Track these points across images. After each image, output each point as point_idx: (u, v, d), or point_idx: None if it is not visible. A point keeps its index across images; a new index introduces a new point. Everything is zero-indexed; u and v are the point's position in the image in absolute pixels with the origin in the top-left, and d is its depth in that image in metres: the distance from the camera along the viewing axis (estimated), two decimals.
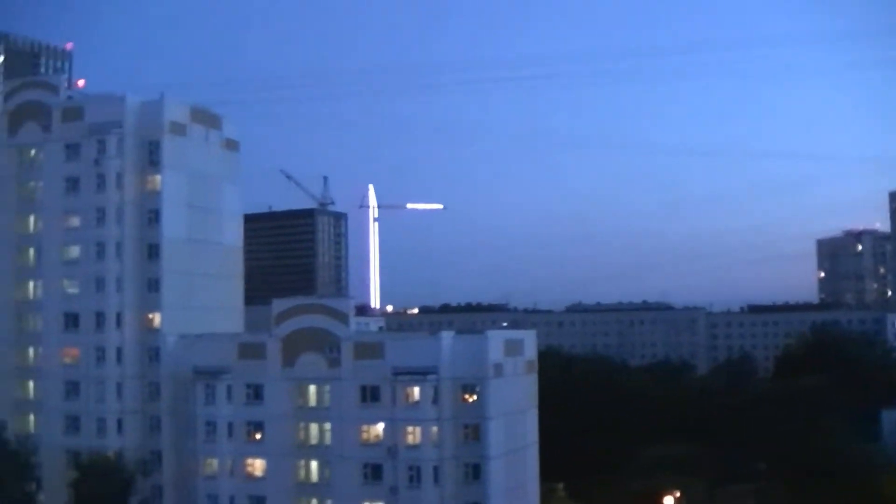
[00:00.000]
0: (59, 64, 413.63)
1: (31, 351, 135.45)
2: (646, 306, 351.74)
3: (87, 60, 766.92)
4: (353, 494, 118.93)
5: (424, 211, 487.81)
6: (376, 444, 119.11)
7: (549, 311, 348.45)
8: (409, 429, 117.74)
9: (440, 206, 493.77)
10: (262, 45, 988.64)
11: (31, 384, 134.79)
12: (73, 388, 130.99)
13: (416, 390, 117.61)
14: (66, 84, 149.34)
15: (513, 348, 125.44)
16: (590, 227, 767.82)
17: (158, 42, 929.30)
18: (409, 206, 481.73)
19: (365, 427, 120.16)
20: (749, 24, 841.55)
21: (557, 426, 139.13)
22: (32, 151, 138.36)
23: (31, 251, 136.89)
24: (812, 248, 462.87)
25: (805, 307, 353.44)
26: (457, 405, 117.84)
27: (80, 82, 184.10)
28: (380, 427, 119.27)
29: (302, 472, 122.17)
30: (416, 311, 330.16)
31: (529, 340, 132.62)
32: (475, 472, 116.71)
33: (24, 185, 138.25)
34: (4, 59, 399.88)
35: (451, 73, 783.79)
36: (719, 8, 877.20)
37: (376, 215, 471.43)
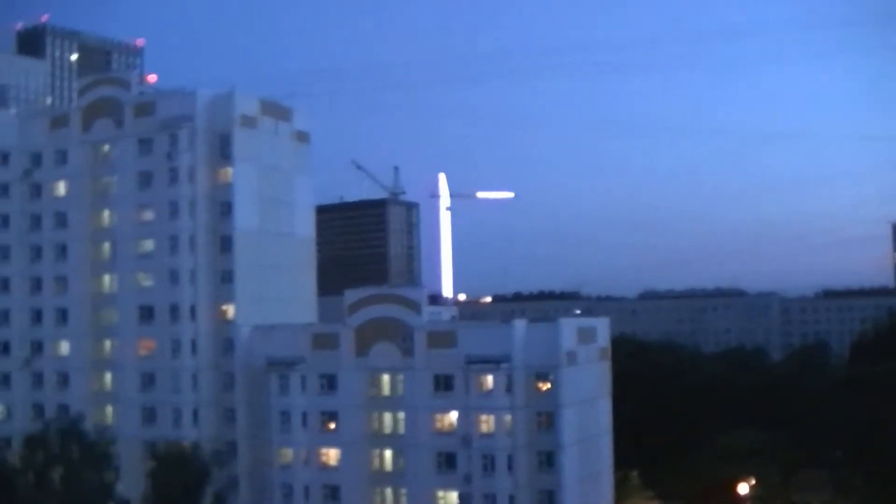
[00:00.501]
0: (130, 60, 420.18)
1: (107, 343, 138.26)
2: (719, 292, 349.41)
3: (158, 56, 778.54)
4: (427, 483, 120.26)
5: (495, 199, 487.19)
6: (450, 432, 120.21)
7: (622, 299, 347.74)
8: (483, 417, 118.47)
9: (510, 195, 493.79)
10: (333, 36, 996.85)
11: (108, 376, 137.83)
12: (148, 380, 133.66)
13: (490, 379, 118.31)
14: (137, 80, 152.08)
15: (585, 336, 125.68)
16: (662, 214, 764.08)
17: (228, 36, 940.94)
18: (480, 194, 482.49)
19: (438, 416, 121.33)
20: (820, 5, 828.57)
21: (631, 414, 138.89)
22: (106, 147, 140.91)
23: (107, 245, 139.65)
24: (887, 232, 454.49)
25: (881, 291, 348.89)
26: (530, 393, 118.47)
27: (152, 78, 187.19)
28: (453, 416, 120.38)
29: (376, 462, 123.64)
30: (488, 299, 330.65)
31: (602, 328, 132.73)
32: (549, 460, 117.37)
33: (99, 181, 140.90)
34: (78, 57, 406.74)
35: (521, 59, 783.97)
36: None
37: (448, 204, 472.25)
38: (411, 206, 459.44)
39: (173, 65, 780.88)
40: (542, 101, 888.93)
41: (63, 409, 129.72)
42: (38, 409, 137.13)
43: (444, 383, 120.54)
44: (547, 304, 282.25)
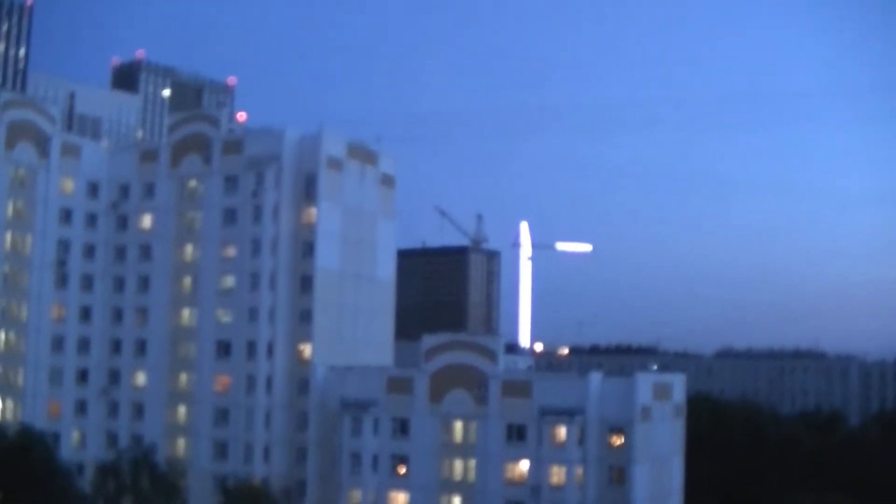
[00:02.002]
0: (221, 98, 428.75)
1: (184, 377, 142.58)
2: (798, 353, 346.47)
3: (249, 95, 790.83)
4: None
5: (574, 251, 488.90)
6: (520, 483, 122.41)
7: (699, 356, 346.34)
8: (554, 469, 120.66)
9: (588, 248, 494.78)
10: (422, 82, 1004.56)
11: (182, 409, 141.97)
12: (222, 415, 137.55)
13: (563, 430, 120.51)
14: (227, 118, 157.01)
15: (661, 392, 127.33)
16: (742, 271, 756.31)
17: (318, 77, 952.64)
18: (559, 246, 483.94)
19: (510, 465, 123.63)
20: None
21: (705, 473, 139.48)
22: (193, 183, 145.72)
23: (189, 279, 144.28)
24: None
25: None
26: (603, 447, 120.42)
27: (242, 116, 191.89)
28: (524, 466, 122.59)
29: None
30: (565, 351, 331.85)
31: (678, 385, 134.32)
32: None
33: (184, 216, 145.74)
34: (170, 93, 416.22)
35: (606, 112, 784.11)
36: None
37: (529, 254, 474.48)
38: (493, 255, 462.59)
39: (263, 104, 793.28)
40: (624, 155, 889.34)
41: (137, 439, 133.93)
42: (113, 438, 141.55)
43: (517, 433, 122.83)
44: (623, 358, 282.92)
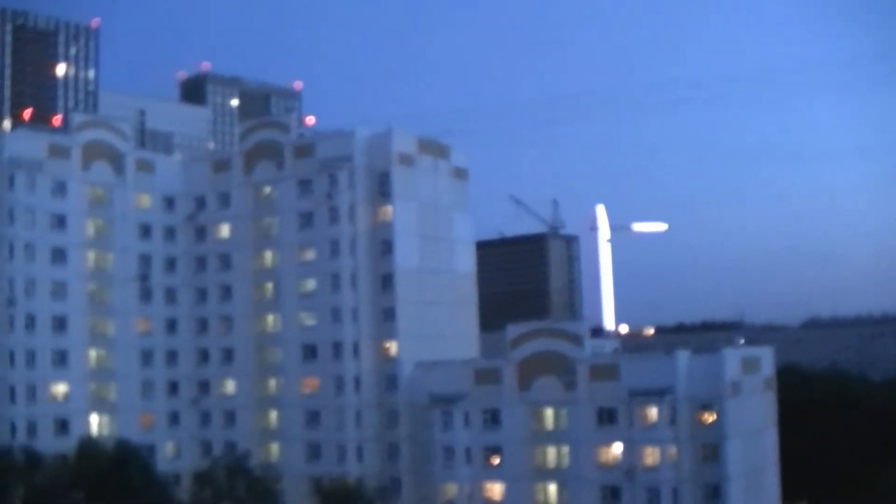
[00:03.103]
0: (289, 103, 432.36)
1: (272, 382, 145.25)
2: (887, 318, 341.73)
3: (316, 98, 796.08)
4: None
5: (651, 231, 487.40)
6: (614, 466, 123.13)
7: (786, 327, 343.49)
8: (647, 450, 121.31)
9: (664, 227, 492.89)
10: (487, 72, 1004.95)
11: (273, 414, 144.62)
12: (313, 417, 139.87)
13: (653, 411, 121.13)
14: (296, 123, 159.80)
15: (749, 366, 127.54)
16: (825, 240, 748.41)
17: (385, 75, 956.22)
18: (636, 227, 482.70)
19: (602, 449, 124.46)
20: None
21: (798, 445, 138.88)
22: (267, 189, 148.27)
23: (270, 285, 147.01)
24: None
25: None
26: (694, 425, 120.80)
27: (310, 120, 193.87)
28: (617, 449, 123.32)
29: (540, 496, 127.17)
30: (650, 331, 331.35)
31: (766, 358, 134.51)
32: (714, 493, 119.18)
33: (261, 222, 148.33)
34: (238, 103, 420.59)
35: (676, 90, 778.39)
36: None
37: (608, 237, 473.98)
38: (571, 240, 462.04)
39: (330, 107, 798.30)
40: (698, 131, 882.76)
41: (230, 446, 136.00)
42: (206, 447, 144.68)
43: (607, 416, 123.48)
44: (709, 334, 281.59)
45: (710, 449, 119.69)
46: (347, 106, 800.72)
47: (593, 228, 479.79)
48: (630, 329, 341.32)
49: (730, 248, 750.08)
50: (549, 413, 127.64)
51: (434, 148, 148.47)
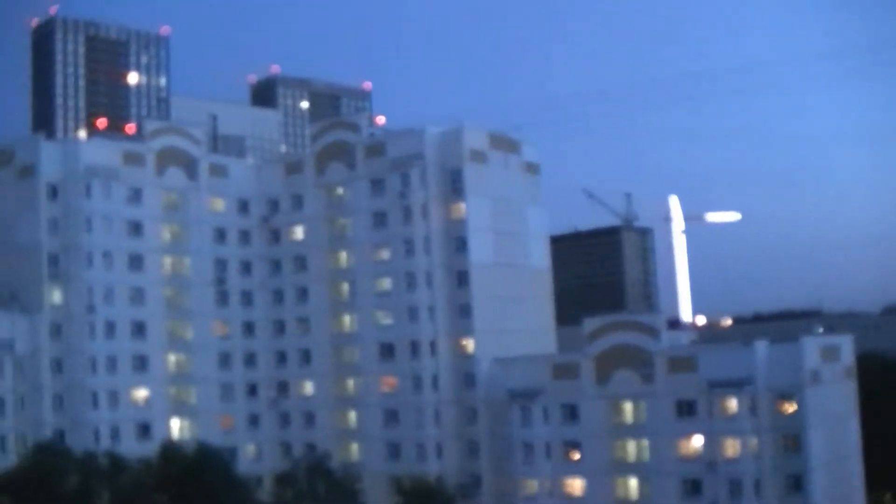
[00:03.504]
0: (359, 103, 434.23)
1: (350, 382, 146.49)
2: None
3: (385, 97, 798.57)
4: None
5: (724, 221, 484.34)
6: (694, 458, 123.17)
7: (865, 314, 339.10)
8: (728, 441, 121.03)
9: (738, 216, 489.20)
10: (555, 64, 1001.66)
11: (352, 414, 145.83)
12: (392, 416, 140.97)
13: (733, 402, 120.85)
14: (367, 122, 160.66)
15: (829, 354, 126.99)
16: None
17: (453, 71, 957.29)
18: (709, 217, 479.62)
19: (682, 442, 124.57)
20: None
21: (880, 434, 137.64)
22: (340, 189, 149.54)
23: (345, 285, 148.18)
24: None
25: None
26: (775, 415, 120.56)
27: (380, 119, 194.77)
28: (697, 441, 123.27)
29: (621, 490, 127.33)
30: (728, 321, 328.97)
31: (846, 345, 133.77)
32: (797, 484, 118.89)
33: (334, 223, 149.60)
34: (308, 104, 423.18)
35: (747, 76, 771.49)
36: None
37: (682, 228, 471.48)
38: (645, 232, 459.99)
39: (400, 104, 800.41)
40: (768, 118, 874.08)
41: (310, 447, 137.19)
42: (286, 448, 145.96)
43: (686, 408, 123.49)
44: (787, 323, 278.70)
45: (792, 439, 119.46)
46: (417, 104, 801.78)
47: (667, 220, 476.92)
48: (707, 320, 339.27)
49: (806, 236, 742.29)
50: (627, 406, 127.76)
51: (505, 143, 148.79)
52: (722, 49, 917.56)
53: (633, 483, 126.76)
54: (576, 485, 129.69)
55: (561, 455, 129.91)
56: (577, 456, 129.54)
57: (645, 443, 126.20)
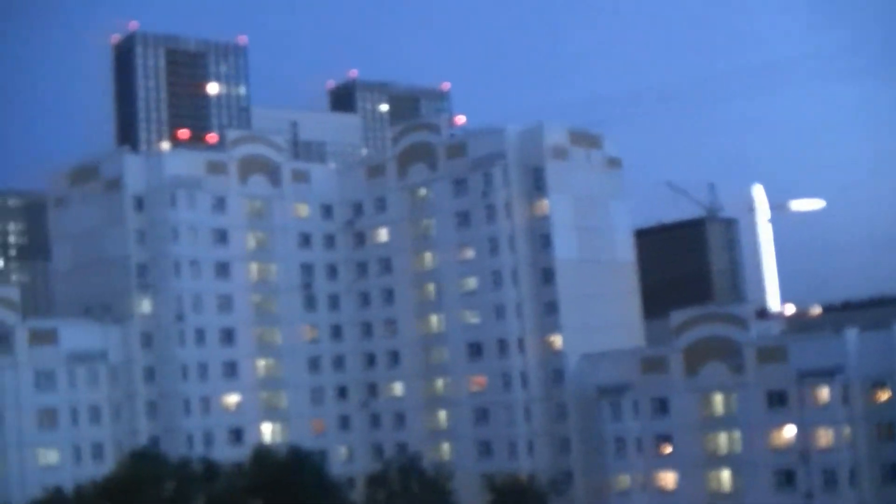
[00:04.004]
0: (438, 104, 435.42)
1: (439, 382, 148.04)
2: None
3: (464, 96, 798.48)
4: (767, 502, 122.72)
5: (809, 209, 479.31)
6: (787, 449, 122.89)
7: None
8: (820, 431, 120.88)
9: (822, 204, 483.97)
10: (633, 58, 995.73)
11: (442, 414, 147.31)
12: (482, 415, 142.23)
13: (825, 391, 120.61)
14: (447, 123, 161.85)
15: None
16: None
17: (531, 69, 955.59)
18: (794, 205, 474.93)
19: (774, 433, 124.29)
20: None
21: None
22: (422, 191, 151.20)
23: (431, 286, 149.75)
24: None
25: None
26: (868, 404, 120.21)
27: (460, 119, 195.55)
28: (789, 431, 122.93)
29: (714, 483, 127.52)
30: (817, 310, 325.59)
31: None
32: (894, 472, 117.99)
33: (418, 224, 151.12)
34: (388, 107, 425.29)
35: (824, 61, 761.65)
36: None
37: (767, 217, 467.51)
38: (730, 222, 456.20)
39: (479, 104, 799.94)
40: (848, 104, 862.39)
41: (401, 447, 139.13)
42: (377, 449, 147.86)
43: (777, 399, 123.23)
44: (878, 310, 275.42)
45: (887, 428, 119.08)
46: (495, 103, 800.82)
47: (752, 209, 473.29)
48: (796, 309, 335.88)
49: (894, 220, 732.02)
50: (717, 398, 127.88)
51: (586, 139, 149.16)
52: (801, 36, 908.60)
53: (726, 475, 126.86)
54: (668, 478, 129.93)
55: (652, 449, 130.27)
56: (668, 449, 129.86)
57: (736, 434, 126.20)
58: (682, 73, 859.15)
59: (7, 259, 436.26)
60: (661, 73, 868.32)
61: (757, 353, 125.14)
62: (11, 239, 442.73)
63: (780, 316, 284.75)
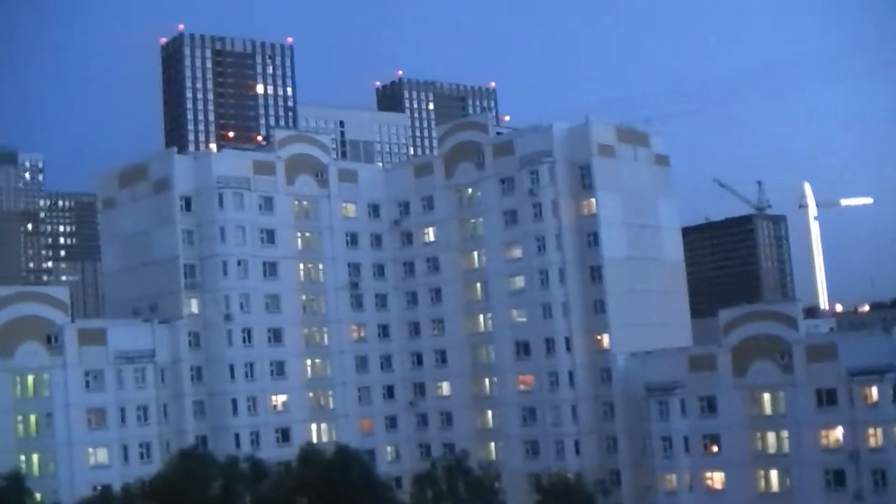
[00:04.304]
0: (484, 103, 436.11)
1: (486, 381, 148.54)
2: None
3: (510, 94, 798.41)
4: (816, 503, 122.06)
5: (858, 206, 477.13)
6: (836, 448, 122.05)
7: None
8: (870, 431, 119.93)
9: (869, 201, 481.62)
10: (678, 55, 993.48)
11: (489, 413, 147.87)
12: (529, 414, 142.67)
13: (874, 390, 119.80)
14: (493, 121, 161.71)
15: None
16: None
17: (576, 66, 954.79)
18: (843, 202, 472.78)
19: (823, 432, 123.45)
20: None
21: None
22: (469, 190, 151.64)
23: (478, 285, 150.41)
24: None
25: None
26: None
27: (506, 118, 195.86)
28: (839, 431, 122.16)
29: (762, 482, 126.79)
30: (866, 308, 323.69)
31: None
32: None
33: (465, 223, 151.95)
34: (434, 106, 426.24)
35: (871, 55, 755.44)
36: None
37: (815, 214, 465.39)
38: (778, 219, 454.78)
39: (525, 102, 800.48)
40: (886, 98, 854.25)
41: (448, 447, 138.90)
42: (425, 449, 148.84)
43: (826, 397, 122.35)
44: None
45: None
46: (541, 101, 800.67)
47: (801, 206, 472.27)
48: (845, 307, 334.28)
49: None
50: (766, 397, 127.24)
51: (633, 136, 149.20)
52: (852, 28, 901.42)
53: (774, 475, 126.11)
54: (716, 478, 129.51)
55: (700, 448, 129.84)
56: (716, 449, 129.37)
57: (785, 434, 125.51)
58: (729, 68, 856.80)
59: (57, 259, 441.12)
60: (709, 70, 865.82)
61: (806, 352, 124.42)
62: (62, 240, 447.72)
63: (829, 314, 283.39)
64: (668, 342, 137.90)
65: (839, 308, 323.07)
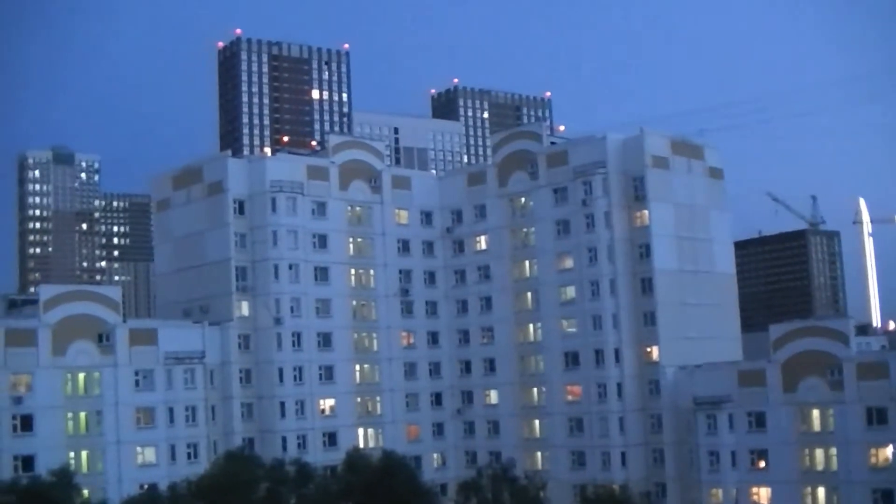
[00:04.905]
0: (539, 112, 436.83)
1: (535, 391, 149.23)
2: None
3: (565, 105, 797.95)
4: None
5: None
6: (885, 467, 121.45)
7: None
8: None
9: None
10: (735, 69, 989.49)
11: (536, 423, 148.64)
12: (576, 425, 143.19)
13: None
14: (548, 131, 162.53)
15: None
16: None
17: (633, 77, 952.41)
18: None
19: (872, 450, 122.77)
20: None
21: None
22: (522, 199, 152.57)
23: (529, 294, 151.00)
24: None
25: None
26: None
27: (561, 127, 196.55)
28: (888, 450, 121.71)
29: (809, 500, 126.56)
30: None
31: None
32: None
33: (517, 232, 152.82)
34: (489, 115, 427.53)
35: None
36: None
37: (870, 230, 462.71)
38: (832, 235, 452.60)
39: (580, 112, 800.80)
40: None
41: (494, 455, 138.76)
42: (471, 456, 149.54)
43: (877, 416, 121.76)
44: None
45: None
46: (596, 112, 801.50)
47: (855, 222, 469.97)
48: None
49: None
50: (815, 414, 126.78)
51: (688, 148, 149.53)
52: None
53: (822, 492, 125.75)
54: (762, 494, 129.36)
55: (747, 463, 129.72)
56: (763, 464, 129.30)
57: (833, 451, 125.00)
58: (781, 85, 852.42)
59: (111, 259, 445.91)
60: (760, 85, 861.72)
61: (857, 369, 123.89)
62: (116, 240, 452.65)
63: (881, 331, 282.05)
64: (717, 356, 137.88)
65: (892, 326, 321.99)
